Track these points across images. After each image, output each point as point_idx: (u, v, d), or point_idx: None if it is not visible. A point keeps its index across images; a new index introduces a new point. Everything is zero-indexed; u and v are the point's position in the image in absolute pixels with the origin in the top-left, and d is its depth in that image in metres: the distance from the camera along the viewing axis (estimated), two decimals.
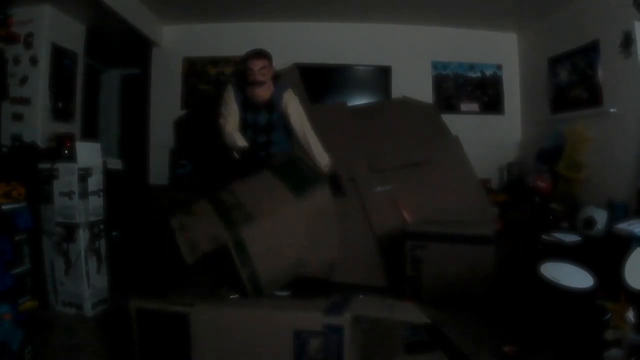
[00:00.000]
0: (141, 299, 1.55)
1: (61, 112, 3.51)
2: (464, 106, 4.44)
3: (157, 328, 1.51)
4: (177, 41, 4.35)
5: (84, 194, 2.34)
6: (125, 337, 1.87)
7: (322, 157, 2.56)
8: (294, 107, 2.54)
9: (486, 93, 4.46)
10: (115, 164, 2.73)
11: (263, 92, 2.51)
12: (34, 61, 3.26)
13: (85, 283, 2.33)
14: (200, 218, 1.95)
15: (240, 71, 2.58)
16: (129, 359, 1.76)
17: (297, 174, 2.15)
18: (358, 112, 3.67)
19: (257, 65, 2.45)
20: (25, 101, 3.23)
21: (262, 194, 2.05)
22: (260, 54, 2.52)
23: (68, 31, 3.58)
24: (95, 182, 2.41)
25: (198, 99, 4.27)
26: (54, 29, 3.38)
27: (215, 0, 3.80)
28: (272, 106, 2.54)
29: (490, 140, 4.23)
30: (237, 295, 1.86)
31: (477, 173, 3.31)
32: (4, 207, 2.17)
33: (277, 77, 2.63)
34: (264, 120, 2.58)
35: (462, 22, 4.24)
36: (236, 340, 1.46)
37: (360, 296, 1.95)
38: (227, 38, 4.30)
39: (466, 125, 4.01)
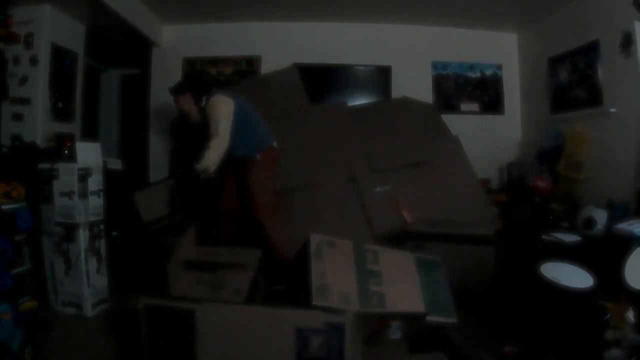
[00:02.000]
0: (150, 296, 1.57)
1: (61, 112, 3.51)
2: (464, 106, 4.44)
3: (164, 324, 1.53)
4: (177, 41, 4.35)
5: (84, 194, 2.34)
6: (126, 337, 1.88)
7: (206, 160, 2.55)
8: (211, 112, 2.67)
9: (486, 93, 4.46)
10: (115, 164, 2.73)
11: (191, 116, 2.81)
12: (34, 61, 3.26)
13: (85, 283, 2.33)
14: (339, 264, 1.86)
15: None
16: (129, 358, 1.77)
17: (438, 291, 2.00)
18: (358, 112, 3.67)
19: (174, 102, 2.85)
20: (25, 101, 3.23)
21: (399, 280, 1.92)
22: (170, 92, 2.87)
23: (68, 31, 3.58)
24: (95, 182, 2.41)
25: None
26: (54, 29, 3.38)
27: (215, 0, 3.80)
28: (205, 123, 2.73)
29: (490, 140, 4.24)
30: None
31: (477, 173, 3.31)
32: (4, 207, 2.17)
33: (202, 93, 2.79)
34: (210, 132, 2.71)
35: (462, 22, 4.24)
36: (240, 337, 1.48)
37: None
38: (227, 38, 4.30)
39: (466, 125, 4.01)
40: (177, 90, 2.83)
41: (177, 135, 4.06)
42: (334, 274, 1.78)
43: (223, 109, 2.65)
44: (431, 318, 1.82)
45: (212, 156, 2.55)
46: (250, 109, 2.86)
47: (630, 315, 1.55)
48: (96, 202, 2.42)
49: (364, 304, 1.72)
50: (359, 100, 4.15)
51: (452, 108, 4.38)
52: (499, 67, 4.46)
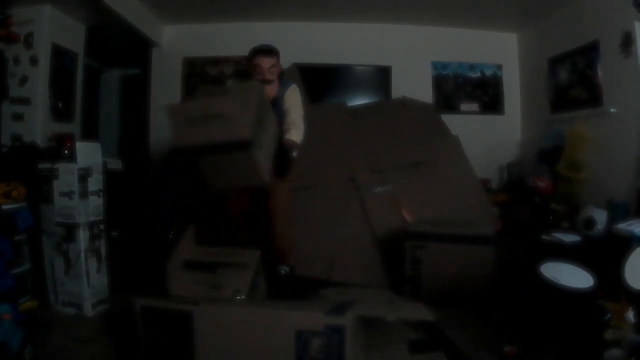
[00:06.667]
0: (146, 297, 1.56)
1: (61, 112, 3.51)
2: (464, 106, 4.44)
3: (161, 326, 1.52)
4: (177, 41, 4.35)
5: (84, 194, 2.34)
6: (126, 337, 1.87)
7: (295, 138, 2.37)
8: (293, 99, 2.44)
9: (486, 93, 4.46)
10: (115, 164, 2.72)
11: (269, 91, 2.37)
12: (34, 61, 3.26)
13: (85, 283, 2.33)
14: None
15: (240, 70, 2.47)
16: (129, 358, 1.76)
17: None
18: (358, 112, 3.67)
19: (266, 63, 2.35)
20: (25, 101, 3.23)
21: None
22: (270, 52, 2.40)
23: (68, 31, 3.58)
24: (95, 182, 2.41)
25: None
26: (54, 29, 3.37)
27: (215, 0, 3.80)
28: (275, 104, 2.39)
29: (490, 140, 4.24)
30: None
31: (477, 173, 3.31)
32: (4, 207, 2.17)
33: (282, 74, 2.56)
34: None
35: (462, 22, 4.24)
36: (238, 339, 1.46)
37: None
38: (227, 38, 4.30)
39: (466, 125, 4.01)
40: (277, 54, 2.42)
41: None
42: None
43: (301, 101, 2.47)
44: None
45: (298, 139, 2.36)
46: None
47: (630, 315, 1.55)
48: (96, 202, 2.42)
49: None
50: (359, 100, 4.15)
51: (452, 108, 4.38)
52: (499, 67, 4.46)
